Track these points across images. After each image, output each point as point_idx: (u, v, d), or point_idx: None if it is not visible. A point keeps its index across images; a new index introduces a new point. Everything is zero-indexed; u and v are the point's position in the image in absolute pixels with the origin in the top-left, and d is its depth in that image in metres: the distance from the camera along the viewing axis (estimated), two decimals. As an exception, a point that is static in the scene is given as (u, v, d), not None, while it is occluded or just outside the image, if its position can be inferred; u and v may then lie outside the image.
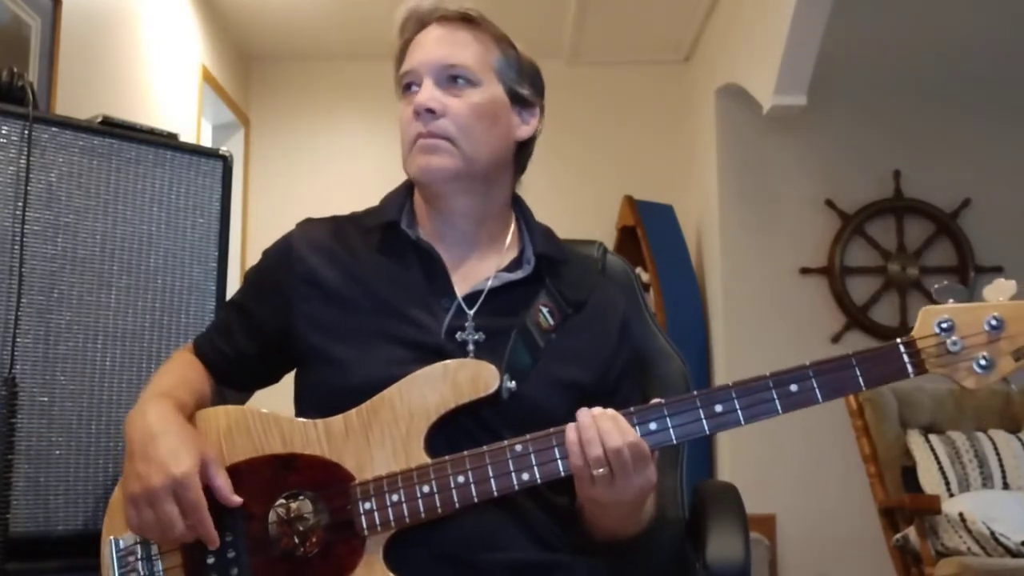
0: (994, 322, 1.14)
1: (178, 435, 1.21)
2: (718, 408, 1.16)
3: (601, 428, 1.14)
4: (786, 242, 4.55)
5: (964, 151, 4.59)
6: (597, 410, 1.16)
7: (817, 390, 1.16)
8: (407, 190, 1.42)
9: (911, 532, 3.05)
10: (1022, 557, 2.85)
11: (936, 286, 1.18)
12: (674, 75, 5.18)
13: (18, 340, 1.61)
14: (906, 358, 1.15)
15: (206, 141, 4.71)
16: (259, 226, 4.80)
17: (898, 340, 1.16)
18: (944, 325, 1.15)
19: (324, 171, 4.98)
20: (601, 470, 1.14)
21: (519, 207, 1.45)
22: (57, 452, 1.65)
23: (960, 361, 1.14)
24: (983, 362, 1.14)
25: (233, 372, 1.42)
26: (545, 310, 1.33)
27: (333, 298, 1.32)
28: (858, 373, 1.15)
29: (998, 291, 1.15)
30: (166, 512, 1.17)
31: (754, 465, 4.26)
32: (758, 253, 4.51)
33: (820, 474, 4.26)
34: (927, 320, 1.16)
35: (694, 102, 4.98)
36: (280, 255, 1.39)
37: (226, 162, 1.91)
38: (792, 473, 4.30)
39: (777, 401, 1.16)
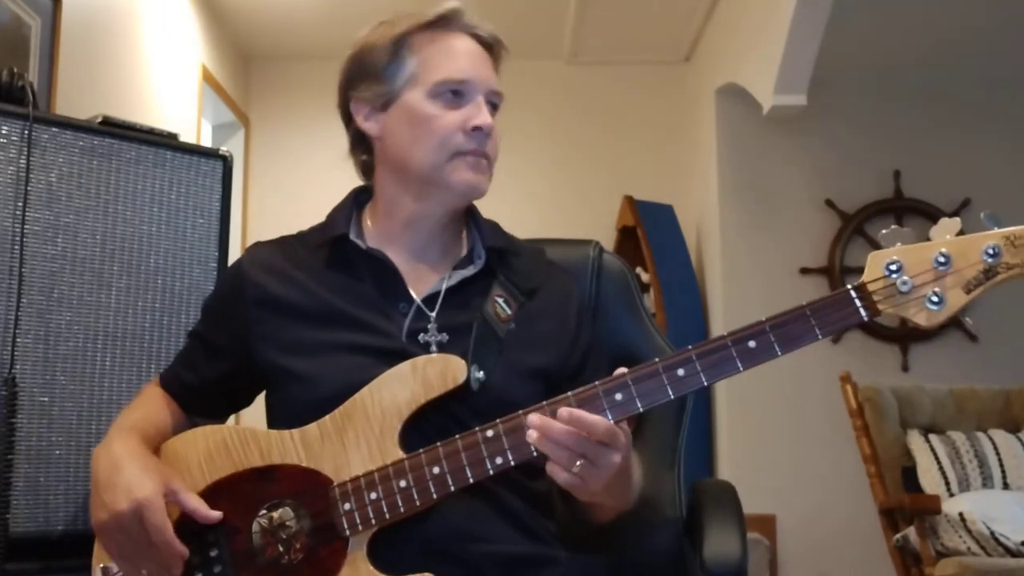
0: (942, 259, 1.15)
1: (141, 463, 1.24)
2: (680, 372, 1.17)
3: (563, 443, 1.12)
4: (786, 242, 4.56)
5: (964, 151, 4.59)
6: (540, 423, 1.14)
7: (775, 343, 1.16)
8: (353, 202, 1.43)
9: (911, 532, 3.06)
10: (1022, 557, 2.85)
11: (883, 231, 1.20)
12: (674, 75, 5.18)
13: (18, 340, 1.61)
14: (857, 302, 1.16)
15: (206, 141, 4.71)
16: (259, 226, 4.80)
17: (848, 285, 1.17)
18: (893, 267, 1.16)
19: (324, 171, 4.94)
20: (577, 465, 1.13)
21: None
22: (57, 452, 1.66)
23: (911, 300, 1.15)
24: (934, 298, 1.15)
25: (201, 401, 1.44)
26: (500, 300, 1.35)
27: (290, 315, 1.33)
28: (813, 323, 1.16)
29: (944, 229, 1.17)
30: (134, 536, 1.20)
31: (754, 465, 4.26)
32: (758, 253, 4.51)
33: (820, 474, 4.26)
34: (875, 264, 1.17)
35: (694, 102, 4.98)
36: (232, 282, 1.41)
37: (226, 162, 1.91)
38: (792, 473, 4.30)
39: (737, 359, 1.16)
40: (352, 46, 1.41)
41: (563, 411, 1.13)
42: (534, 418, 1.14)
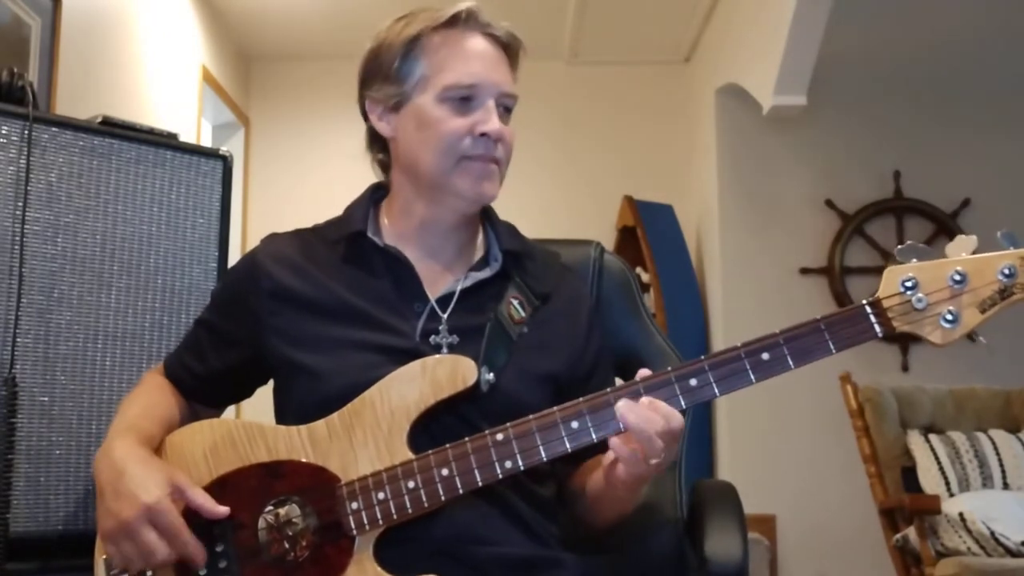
0: (957, 277, 1.14)
1: (144, 467, 1.22)
2: (692, 382, 1.18)
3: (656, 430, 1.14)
4: (786, 242, 4.56)
5: (964, 151, 4.59)
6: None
7: (789, 357, 1.17)
8: (370, 198, 1.43)
9: (911, 532, 3.06)
10: (1022, 557, 2.85)
11: (899, 247, 1.19)
12: (674, 75, 5.18)
13: (18, 340, 1.61)
14: (872, 318, 1.16)
15: (206, 141, 4.72)
16: (259, 226, 4.79)
17: (864, 301, 1.17)
18: (908, 283, 1.15)
19: (324, 171, 4.98)
20: (655, 460, 1.14)
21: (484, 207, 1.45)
22: (57, 452, 1.66)
23: (926, 317, 1.15)
24: (949, 316, 1.15)
25: (204, 389, 1.43)
26: (516, 303, 1.34)
27: (303, 310, 1.33)
28: (827, 337, 1.16)
29: (960, 247, 1.16)
30: (145, 541, 1.18)
31: (754, 465, 4.26)
32: (758, 253, 4.51)
33: (820, 474, 4.26)
34: (891, 279, 1.16)
35: (694, 102, 4.98)
36: (246, 272, 1.39)
37: (226, 162, 1.91)
38: (792, 473, 4.30)
39: (750, 371, 1.17)
40: (371, 40, 1.38)
41: (645, 400, 1.14)
42: (623, 404, 1.14)
